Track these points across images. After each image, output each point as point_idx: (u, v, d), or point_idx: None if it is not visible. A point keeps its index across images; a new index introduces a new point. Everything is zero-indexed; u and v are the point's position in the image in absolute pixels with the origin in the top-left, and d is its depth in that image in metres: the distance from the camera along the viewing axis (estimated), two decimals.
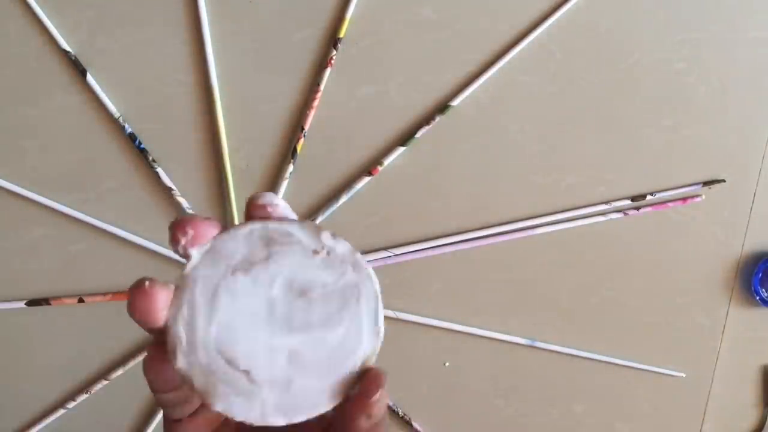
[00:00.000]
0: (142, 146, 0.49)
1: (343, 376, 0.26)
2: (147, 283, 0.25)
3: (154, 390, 0.27)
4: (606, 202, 0.55)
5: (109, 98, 0.48)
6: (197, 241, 0.27)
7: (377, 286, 0.28)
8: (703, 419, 0.60)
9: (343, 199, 0.51)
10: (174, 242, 0.27)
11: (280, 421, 0.25)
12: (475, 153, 0.53)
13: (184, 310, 0.25)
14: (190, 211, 0.50)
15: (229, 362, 0.25)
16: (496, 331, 0.55)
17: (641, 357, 0.57)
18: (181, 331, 0.25)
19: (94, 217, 0.49)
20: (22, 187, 0.49)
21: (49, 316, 0.50)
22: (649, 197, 0.55)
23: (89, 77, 0.48)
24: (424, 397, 0.55)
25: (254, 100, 0.50)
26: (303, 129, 0.50)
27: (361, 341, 0.26)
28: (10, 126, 0.48)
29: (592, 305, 0.56)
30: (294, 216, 0.29)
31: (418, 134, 0.51)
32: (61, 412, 0.51)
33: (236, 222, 0.50)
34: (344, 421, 0.27)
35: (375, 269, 0.52)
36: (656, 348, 0.58)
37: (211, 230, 0.27)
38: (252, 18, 0.49)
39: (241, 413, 0.25)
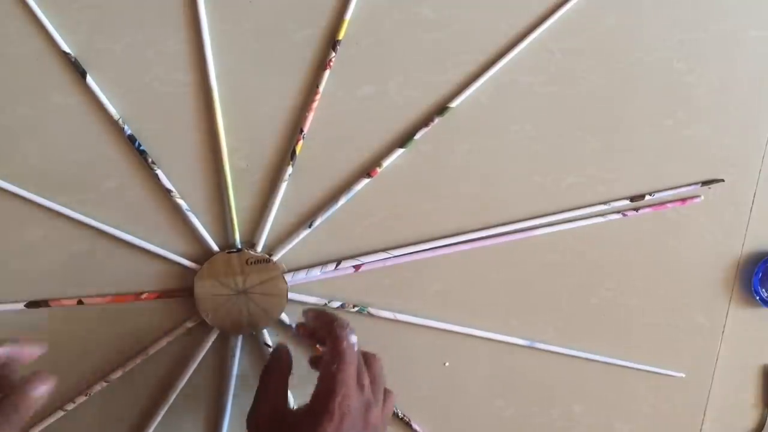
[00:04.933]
0: (141, 148, 0.49)
1: None
2: None
3: None
4: (606, 203, 0.55)
5: (108, 99, 0.48)
6: None
7: None
8: (703, 419, 0.60)
9: (342, 200, 0.51)
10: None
11: None
12: (475, 153, 0.53)
13: None
14: (190, 213, 0.50)
15: None
16: (495, 331, 0.55)
17: (641, 357, 0.58)
18: None
19: (94, 219, 0.49)
20: (22, 187, 0.49)
21: (48, 318, 0.50)
22: (648, 197, 0.55)
23: (89, 79, 0.48)
24: (424, 397, 0.55)
25: (254, 100, 0.50)
26: (302, 131, 0.50)
27: None
28: (10, 126, 0.48)
29: (592, 306, 0.56)
30: None
31: (417, 135, 0.51)
32: (60, 413, 0.51)
33: (235, 222, 0.50)
34: None
35: (374, 270, 0.53)
36: (656, 348, 0.58)
37: None
38: (252, 18, 0.49)
39: None
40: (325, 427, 0.40)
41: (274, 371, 0.45)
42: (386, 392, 0.46)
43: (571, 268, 0.56)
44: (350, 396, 0.41)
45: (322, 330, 0.44)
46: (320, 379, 0.42)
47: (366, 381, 0.43)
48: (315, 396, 0.41)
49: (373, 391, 0.43)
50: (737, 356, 0.59)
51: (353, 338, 0.43)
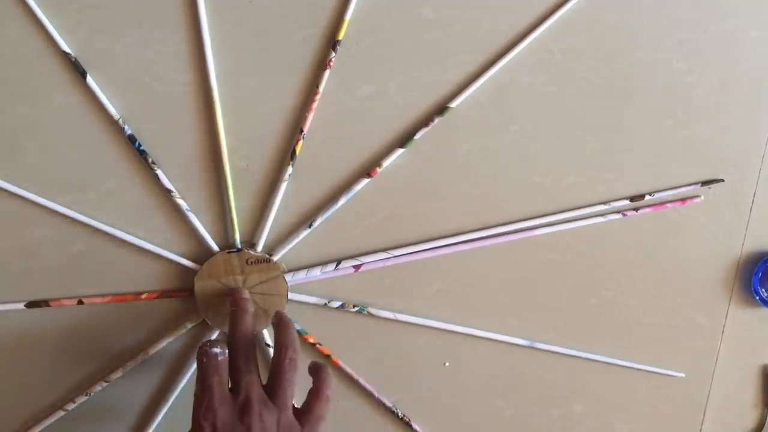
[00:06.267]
0: (141, 148, 0.49)
1: None
2: None
3: None
4: (606, 203, 0.55)
5: (108, 99, 0.48)
6: None
7: None
8: (703, 419, 0.60)
9: (342, 200, 0.51)
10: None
11: None
12: (475, 153, 0.53)
13: None
14: (190, 213, 0.50)
15: None
16: (495, 331, 0.55)
17: (641, 357, 0.58)
18: None
19: (94, 219, 0.49)
20: (22, 187, 0.48)
21: (49, 318, 0.50)
22: (648, 197, 0.55)
23: (89, 79, 0.48)
24: (424, 397, 0.55)
25: (254, 100, 0.50)
26: (302, 131, 0.50)
27: None
28: (10, 126, 0.48)
29: (592, 306, 0.56)
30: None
31: (417, 135, 0.51)
32: (60, 413, 0.51)
33: (235, 222, 0.50)
34: None
35: (374, 270, 0.53)
36: (656, 348, 0.58)
37: None
38: (252, 18, 0.49)
39: None
40: None
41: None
42: (313, 396, 0.44)
43: (571, 268, 0.56)
44: (214, 408, 0.40)
45: None
46: None
47: (248, 389, 0.41)
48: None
49: (277, 402, 0.42)
50: (737, 356, 0.59)
51: (214, 350, 0.42)
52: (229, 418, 0.40)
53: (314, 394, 0.44)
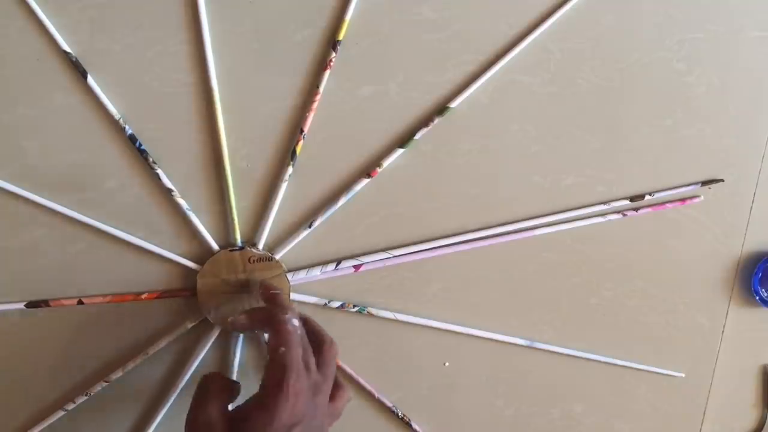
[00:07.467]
0: (142, 147, 0.49)
1: None
2: None
3: None
4: (605, 203, 0.55)
5: (109, 99, 0.48)
6: None
7: None
8: (702, 419, 0.60)
9: (342, 200, 0.51)
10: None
11: None
12: (475, 153, 0.53)
13: None
14: (191, 213, 0.50)
15: None
16: (495, 331, 0.55)
17: (641, 357, 0.58)
18: None
19: (94, 218, 0.49)
20: (22, 187, 0.48)
21: (49, 318, 0.50)
22: (648, 197, 0.55)
23: (90, 79, 0.48)
24: (424, 397, 0.55)
25: (254, 100, 0.50)
26: (302, 131, 0.50)
27: None
28: (11, 126, 0.48)
29: (592, 306, 0.56)
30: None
31: (417, 135, 0.51)
32: (60, 413, 0.51)
33: (235, 222, 0.50)
34: None
35: (374, 270, 0.53)
36: (656, 348, 0.58)
37: None
38: (252, 18, 0.49)
39: None
40: (280, 409, 0.39)
41: (215, 377, 0.45)
42: (338, 387, 0.46)
43: (571, 268, 0.56)
44: (300, 377, 0.41)
45: (260, 322, 0.44)
46: (269, 365, 0.41)
47: (312, 365, 0.43)
48: (265, 381, 0.41)
49: (322, 374, 0.44)
50: (737, 356, 0.59)
51: (295, 321, 0.43)
52: (309, 393, 0.41)
53: (339, 394, 0.46)
